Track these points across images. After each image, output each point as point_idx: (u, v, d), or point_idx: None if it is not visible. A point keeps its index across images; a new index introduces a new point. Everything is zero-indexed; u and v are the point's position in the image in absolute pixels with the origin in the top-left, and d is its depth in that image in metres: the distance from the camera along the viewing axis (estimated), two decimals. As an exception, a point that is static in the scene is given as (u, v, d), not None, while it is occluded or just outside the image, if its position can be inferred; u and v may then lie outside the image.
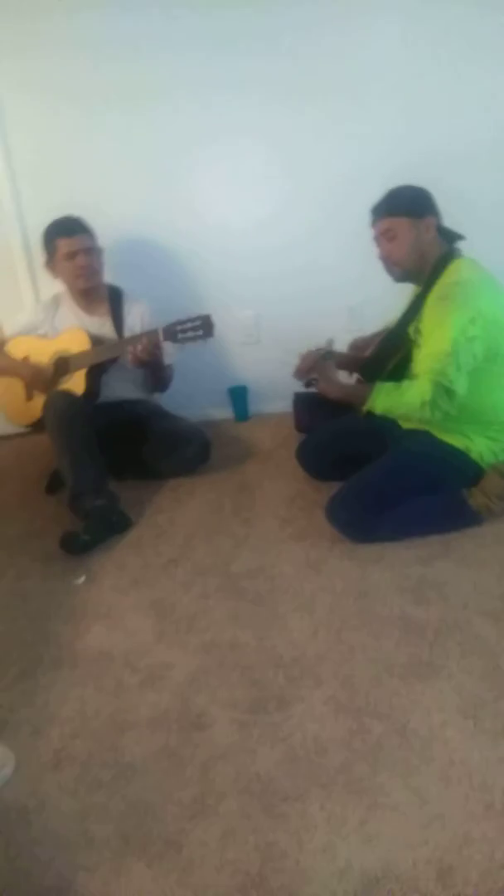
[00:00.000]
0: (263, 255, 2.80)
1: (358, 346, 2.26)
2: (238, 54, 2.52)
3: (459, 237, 1.92)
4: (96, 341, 2.35)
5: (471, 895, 0.98)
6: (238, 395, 2.99)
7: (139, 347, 2.19)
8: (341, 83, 2.57)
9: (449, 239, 1.91)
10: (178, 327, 2.20)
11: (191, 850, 1.10)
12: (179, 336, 2.21)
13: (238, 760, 1.25)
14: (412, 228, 1.87)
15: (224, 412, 3.03)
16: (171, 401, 2.66)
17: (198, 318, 2.20)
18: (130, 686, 1.47)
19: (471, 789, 1.15)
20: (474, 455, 1.93)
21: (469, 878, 1.00)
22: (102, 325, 2.45)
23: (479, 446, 1.93)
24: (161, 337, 2.21)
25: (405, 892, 0.99)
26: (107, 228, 2.46)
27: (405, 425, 2.05)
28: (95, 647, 1.61)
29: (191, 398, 2.85)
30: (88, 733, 1.36)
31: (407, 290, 2.10)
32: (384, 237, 1.93)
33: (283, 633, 1.59)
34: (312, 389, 2.01)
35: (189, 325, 2.20)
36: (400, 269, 1.96)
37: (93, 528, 2.03)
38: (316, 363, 1.98)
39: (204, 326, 2.20)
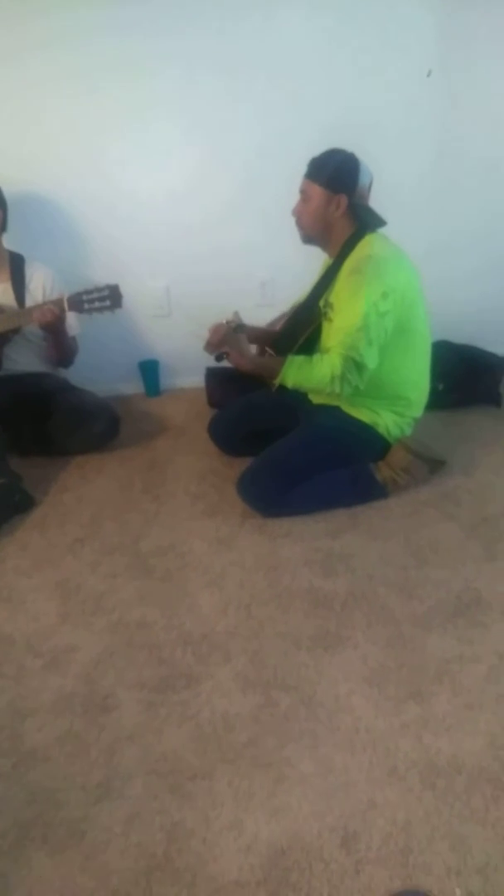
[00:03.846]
0: (175, 225, 2.72)
1: (271, 324, 2.24)
2: (156, 30, 2.42)
3: (380, 223, 1.90)
4: (-4, 310, 2.22)
5: (373, 859, 1.00)
6: (149, 370, 2.92)
7: (43, 313, 2.10)
8: (254, 60, 2.51)
9: (368, 222, 1.89)
10: (85, 297, 2.11)
11: (94, 835, 1.06)
12: (86, 306, 2.12)
13: (145, 741, 1.23)
14: (323, 199, 1.86)
15: (134, 387, 2.96)
16: (79, 375, 2.55)
17: (105, 287, 2.12)
18: (33, 670, 1.41)
19: (374, 755, 1.18)
20: (381, 429, 1.97)
21: (371, 843, 1.03)
22: (3, 292, 2.31)
23: (385, 421, 1.97)
24: (66, 306, 2.11)
25: (310, 860, 1.01)
26: (13, 193, 2.32)
27: (315, 400, 2.06)
28: (-5, 632, 1.53)
29: (100, 372, 2.76)
30: (-13, 722, 1.29)
31: (318, 265, 2.09)
32: (301, 196, 1.91)
33: (193, 610, 1.57)
34: (224, 363, 1.98)
35: (96, 294, 2.12)
36: (303, 232, 1.96)
37: (-7, 508, 1.93)
38: (227, 336, 1.94)
39: (112, 297, 2.12)
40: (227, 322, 1.96)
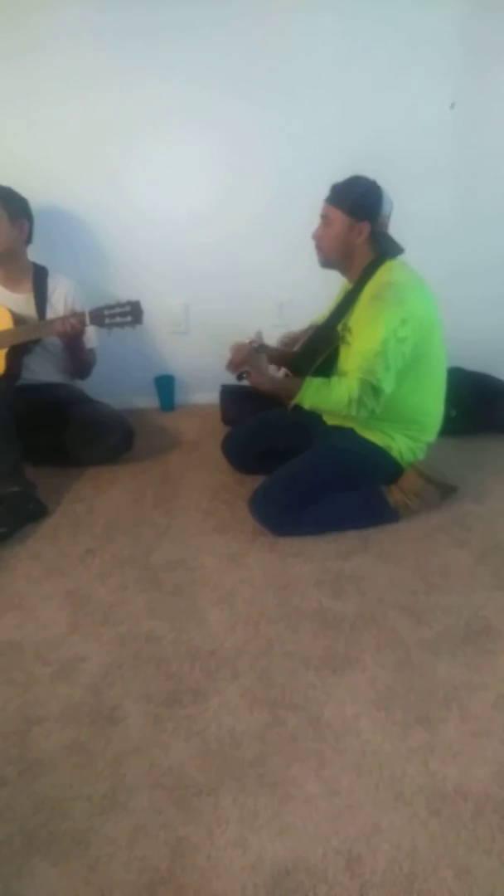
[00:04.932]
0: (196, 244, 2.76)
1: (286, 342, 2.27)
2: (185, 44, 2.47)
3: (399, 250, 1.93)
4: (19, 321, 2.25)
5: (377, 883, 1.00)
6: (164, 385, 2.94)
7: (64, 327, 2.13)
8: (278, 85, 2.55)
9: (387, 249, 1.91)
10: (106, 312, 2.15)
11: (99, 847, 1.06)
12: (107, 321, 2.15)
13: (151, 754, 1.23)
14: (345, 225, 1.89)
15: (149, 401, 2.98)
16: (96, 387, 2.58)
17: (127, 303, 2.15)
18: (41, 679, 1.42)
19: (381, 779, 1.17)
20: (395, 453, 1.98)
21: (376, 867, 1.02)
22: (26, 302, 2.35)
23: (399, 445, 1.98)
24: (87, 320, 2.14)
25: (314, 882, 1.00)
26: (38, 206, 2.36)
27: (330, 421, 2.08)
28: (5, 639, 1.54)
29: (116, 385, 2.79)
30: (-6, 728, 1.30)
31: (336, 287, 2.12)
32: (322, 220, 1.94)
33: (202, 625, 1.58)
34: (244, 382, 2.00)
35: (118, 310, 2.15)
36: (323, 256, 1.98)
37: (6, 515, 1.94)
38: (248, 356, 1.97)
39: (133, 313, 2.16)
40: (250, 342, 1.98)
